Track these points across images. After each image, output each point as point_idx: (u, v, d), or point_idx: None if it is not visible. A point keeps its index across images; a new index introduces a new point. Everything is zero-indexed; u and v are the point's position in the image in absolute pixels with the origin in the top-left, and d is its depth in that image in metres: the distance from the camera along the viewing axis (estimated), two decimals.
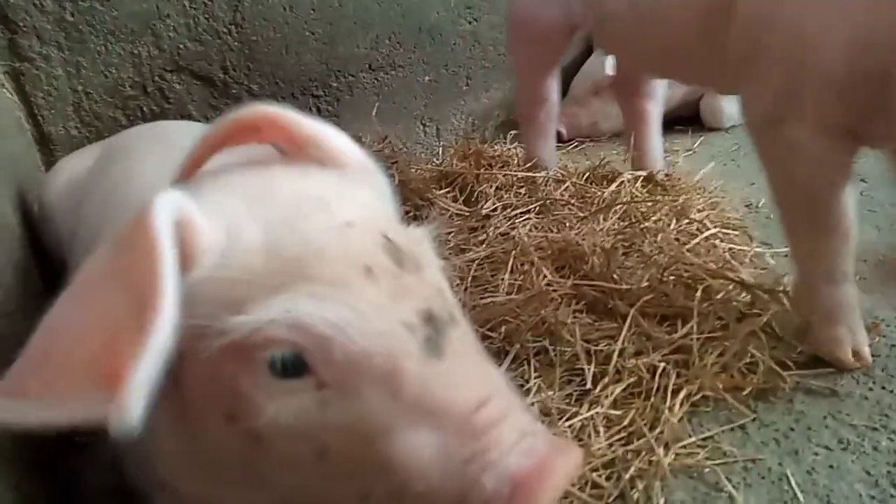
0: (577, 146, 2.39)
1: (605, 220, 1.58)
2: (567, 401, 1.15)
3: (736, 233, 1.60)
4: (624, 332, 1.23)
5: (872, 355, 1.17)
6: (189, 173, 0.73)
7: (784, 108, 1.08)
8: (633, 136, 1.86)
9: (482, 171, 1.81)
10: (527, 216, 1.66)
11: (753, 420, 1.10)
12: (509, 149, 2.10)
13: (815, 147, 1.06)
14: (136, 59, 1.77)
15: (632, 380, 1.17)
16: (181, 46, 1.82)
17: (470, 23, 2.26)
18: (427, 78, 2.25)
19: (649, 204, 1.63)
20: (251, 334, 0.56)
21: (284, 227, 0.59)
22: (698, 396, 1.14)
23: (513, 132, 2.33)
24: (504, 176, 1.77)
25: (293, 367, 0.57)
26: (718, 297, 1.32)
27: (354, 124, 2.03)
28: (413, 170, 1.87)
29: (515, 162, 1.93)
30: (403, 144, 2.19)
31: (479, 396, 0.59)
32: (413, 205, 1.72)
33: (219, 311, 0.56)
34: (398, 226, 0.67)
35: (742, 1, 1.15)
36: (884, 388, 1.13)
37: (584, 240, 1.49)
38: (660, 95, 1.86)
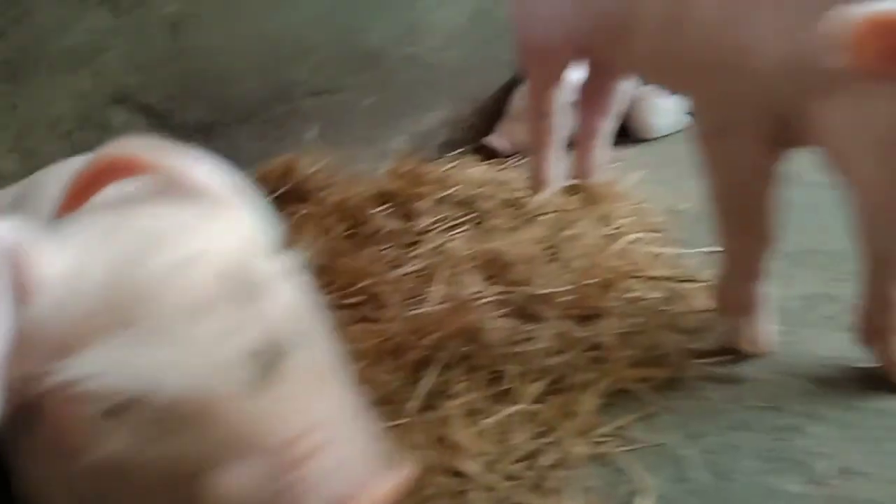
0: (518, 160, 2.46)
1: (532, 229, 1.66)
2: (490, 400, 1.21)
3: (657, 235, 1.68)
4: (544, 333, 1.30)
5: (772, 342, 1.26)
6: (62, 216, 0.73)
7: (726, 118, 1.15)
8: (580, 147, 1.96)
9: (419, 188, 1.88)
10: (461, 229, 1.73)
11: (662, 408, 1.17)
12: (448, 167, 2.17)
13: (749, 155, 1.14)
14: (76, 91, 1.80)
15: (552, 377, 1.24)
16: (122, 78, 1.85)
17: (410, 45, 2.33)
18: (369, 101, 2.31)
19: (575, 212, 1.72)
20: (71, 384, 0.56)
21: (121, 265, 0.59)
22: (613, 389, 1.21)
23: (457, 151, 2.40)
24: (439, 192, 1.84)
25: (115, 409, 0.58)
26: (633, 295, 1.40)
27: (297, 149, 2.08)
28: (352, 190, 1.93)
29: (452, 179, 2.00)
30: (346, 166, 2.24)
31: (303, 426, 0.60)
32: (350, 224, 1.78)
33: (51, 354, 0.57)
34: (254, 254, 0.66)
35: (692, 10, 1.17)
36: (780, 372, 1.22)
37: (511, 249, 1.56)
38: (616, 112, 1.97)
